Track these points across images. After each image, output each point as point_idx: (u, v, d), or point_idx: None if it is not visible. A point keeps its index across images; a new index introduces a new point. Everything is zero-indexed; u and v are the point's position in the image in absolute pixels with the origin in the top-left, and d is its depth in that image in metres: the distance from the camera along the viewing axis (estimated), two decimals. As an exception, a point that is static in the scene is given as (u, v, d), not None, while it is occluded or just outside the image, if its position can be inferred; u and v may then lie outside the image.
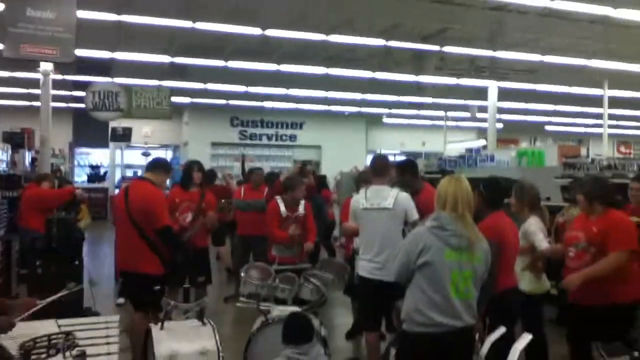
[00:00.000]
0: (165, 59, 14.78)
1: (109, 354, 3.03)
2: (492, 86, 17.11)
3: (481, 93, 18.11)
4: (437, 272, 3.10)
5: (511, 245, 3.90)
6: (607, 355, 2.81)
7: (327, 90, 19.04)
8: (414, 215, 4.84)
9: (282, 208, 5.87)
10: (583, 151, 18.78)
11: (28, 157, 12.21)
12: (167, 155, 24.55)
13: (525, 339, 2.64)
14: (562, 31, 12.96)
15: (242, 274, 5.01)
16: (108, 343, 3.13)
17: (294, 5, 10.97)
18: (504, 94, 17.80)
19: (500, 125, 20.41)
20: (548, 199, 6.62)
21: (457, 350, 3.04)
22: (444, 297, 3.10)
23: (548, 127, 27.12)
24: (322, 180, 10.44)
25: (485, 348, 2.77)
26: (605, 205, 4.14)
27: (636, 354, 2.96)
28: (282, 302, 4.74)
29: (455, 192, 3.25)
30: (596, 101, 18.72)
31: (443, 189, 3.29)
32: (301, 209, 5.95)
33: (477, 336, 3.30)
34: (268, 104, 21.70)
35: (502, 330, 2.87)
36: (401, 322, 3.28)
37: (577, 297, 3.99)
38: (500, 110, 19.06)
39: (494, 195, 4.02)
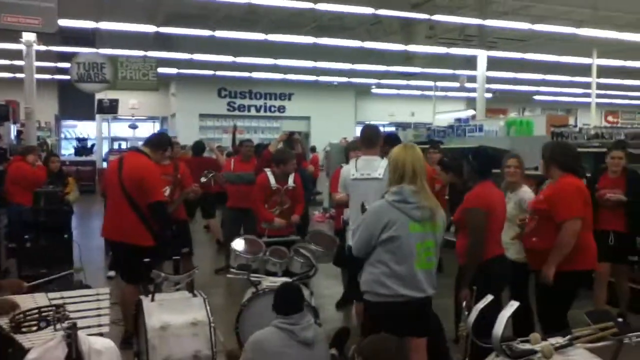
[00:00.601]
0: (150, 28, 14.54)
1: (99, 325, 3.04)
2: (482, 55, 17.03)
3: (470, 62, 18.04)
4: (402, 246, 3.14)
5: (498, 214, 3.94)
6: (593, 322, 2.86)
7: (315, 61, 18.88)
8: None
9: (272, 181, 5.84)
10: (571, 121, 18.90)
11: (13, 130, 12.06)
12: (155, 127, 24.36)
13: (512, 306, 2.68)
14: (550, -1, 12.89)
15: (233, 247, 5.01)
16: (99, 315, 3.14)
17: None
18: (493, 64, 17.75)
19: (489, 95, 20.39)
20: (536, 168, 6.66)
21: (418, 320, 3.12)
22: (407, 269, 3.15)
23: (537, 97, 27.16)
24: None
25: (472, 316, 2.81)
26: (563, 170, 4.08)
27: (620, 320, 3.02)
28: (272, 274, 4.77)
29: (413, 163, 3.25)
30: (585, 70, 18.74)
31: (400, 160, 3.27)
32: (291, 181, 5.93)
33: (464, 304, 3.36)
34: (256, 75, 21.50)
35: (489, 298, 2.90)
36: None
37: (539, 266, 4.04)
38: (490, 80, 19.03)
39: (483, 164, 4.04)
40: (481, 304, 2.84)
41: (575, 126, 11.34)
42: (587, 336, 2.78)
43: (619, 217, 5.25)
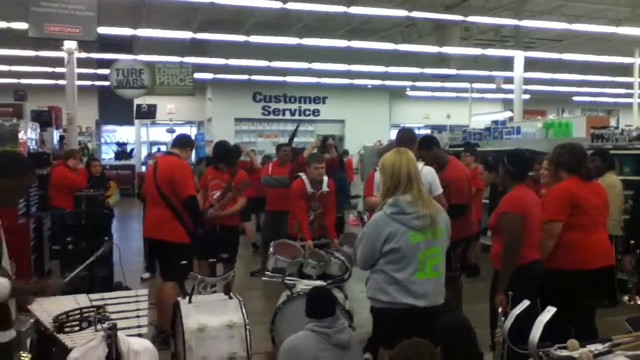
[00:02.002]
0: (186, 35, 14.82)
1: (139, 326, 3.11)
2: (518, 56, 16.77)
3: (507, 64, 17.78)
4: (405, 256, 3.11)
5: (534, 218, 3.88)
6: (634, 329, 2.79)
7: (349, 64, 18.90)
8: (438, 189, 4.82)
9: (308, 186, 5.86)
10: (612, 122, 18.39)
11: (56, 135, 12.37)
12: (192, 131, 24.73)
13: (549, 312, 2.64)
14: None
15: (271, 251, 5.10)
16: (138, 316, 3.21)
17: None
18: (530, 64, 17.46)
19: (526, 97, 20.03)
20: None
21: (419, 329, 2.99)
22: (409, 278, 3.11)
23: (576, 98, 26.56)
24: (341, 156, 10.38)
25: (508, 321, 2.78)
26: (570, 173, 4.09)
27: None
28: (307, 277, 4.80)
29: (408, 170, 3.20)
30: (626, 70, 18.26)
31: (395, 166, 3.21)
32: (325, 186, 5.94)
33: (500, 310, 3.31)
34: (290, 79, 21.63)
35: (525, 303, 2.86)
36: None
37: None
38: (527, 81, 18.73)
39: (518, 167, 3.98)
40: (517, 310, 2.80)
41: (617, 127, 11.05)
42: (628, 344, 2.71)
43: None
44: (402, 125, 23.47)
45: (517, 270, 3.71)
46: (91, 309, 3.01)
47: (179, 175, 5.08)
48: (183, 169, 5.20)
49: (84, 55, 14.09)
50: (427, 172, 4.75)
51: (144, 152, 22.92)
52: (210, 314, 3.84)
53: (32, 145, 8.56)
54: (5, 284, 2.67)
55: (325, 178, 6.01)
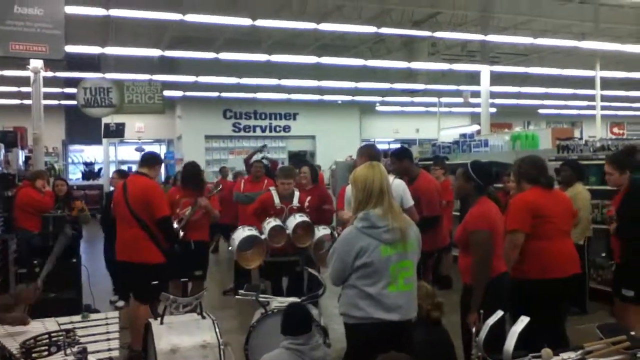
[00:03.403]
0: (155, 52, 14.72)
1: (109, 349, 3.04)
2: (484, 70, 17.11)
3: (474, 78, 18.11)
4: (376, 271, 3.09)
5: (499, 231, 3.91)
6: (605, 336, 2.83)
7: (319, 80, 19.01)
8: (409, 202, 4.86)
9: (277, 200, 5.90)
10: (577, 133, 18.83)
11: (21, 155, 12.13)
12: (161, 149, 24.47)
13: (523, 321, 2.66)
14: (552, 13, 12.96)
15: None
16: (109, 339, 3.14)
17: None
18: (496, 78, 17.83)
19: (493, 110, 20.41)
20: (542, 182, 6.66)
21: (393, 343, 3.00)
22: (381, 293, 3.09)
23: (541, 111, 27.17)
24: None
25: (483, 333, 2.79)
26: (531, 184, 4.20)
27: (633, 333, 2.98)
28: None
29: (380, 183, 3.19)
30: (588, 83, 18.76)
31: (368, 181, 3.20)
32: (295, 201, 5.95)
33: (472, 327, 3.32)
34: (261, 95, 21.65)
35: (500, 314, 2.89)
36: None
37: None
38: (493, 95, 19.09)
39: (483, 179, 3.96)
40: (491, 320, 2.82)
41: (581, 139, 11.32)
42: (599, 350, 2.75)
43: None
44: (372, 140, 23.69)
45: (487, 283, 3.72)
46: (60, 333, 2.93)
47: (151, 197, 5.05)
48: (155, 190, 5.19)
49: (50, 74, 13.87)
50: (398, 185, 4.79)
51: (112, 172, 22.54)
52: (183, 335, 3.77)
53: (-3, 167, 8.38)
54: None
55: (297, 193, 6.01)
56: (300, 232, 5.62)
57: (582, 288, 6.36)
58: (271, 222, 5.65)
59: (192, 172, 6.21)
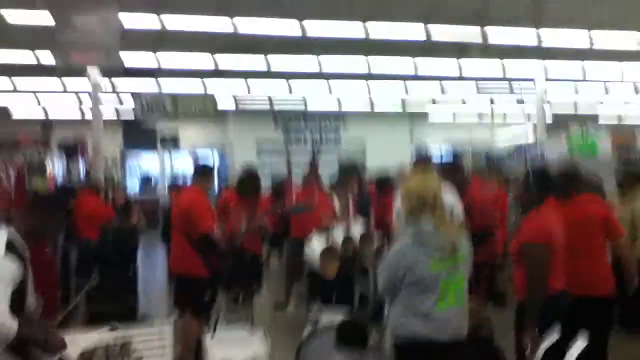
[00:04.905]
0: (209, 63, 14.99)
1: (163, 363, 3.10)
2: (539, 68, 16.64)
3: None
4: (426, 286, 3.01)
5: (559, 244, 3.73)
6: None
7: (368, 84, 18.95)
8: (459, 213, 4.78)
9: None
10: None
11: (82, 167, 12.61)
12: (214, 157, 24.87)
13: (581, 345, 2.57)
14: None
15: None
16: (162, 355, 3.20)
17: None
18: (552, 85, 17.32)
19: (549, 116, 19.83)
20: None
21: None
22: (431, 310, 3.01)
23: (600, 113, 26.15)
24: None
25: (538, 356, 2.70)
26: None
27: None
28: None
29: (434, 194, 3.12)
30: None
31: (420, 190, 3.12)
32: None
33: (528, 346, 3.21)
34: (311, 106, 21.88)
35: (554, 336, 2.79)
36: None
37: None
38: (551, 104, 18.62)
39: (543, 187, 3.81)
40: (547, 344, 2.73)
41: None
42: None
43: None
44: (424, 146, 23.40)
45: (544, 301, 3.57)
46: (117, 345, 3.02)
47: (192, 211, 5.02)
48: (196, 204, 5.08)
49: (108, 86, 14.40)
50: (449, 196, 4.70)
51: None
52: (234, 349, 3.82)
53: (59, 178, 8.70)
54: (12, 328, 2.69)
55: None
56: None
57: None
58: (340, 232, 5.77)
59: (248, 180, 6.08)
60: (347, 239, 5.68)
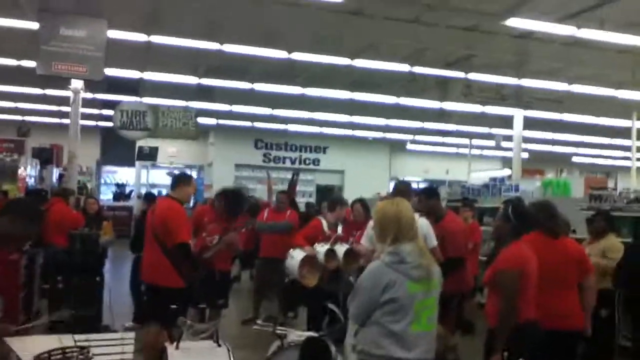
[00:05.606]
0: (192, 80, 15.03)
1: (123, 370, 3.02)
2: (518, 115, 17.00)
3: (506, 121, 17.99)
4: (402, 307, 3.02)
5: (532, 273, 3.79)
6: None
7: (351, 115, 19.13)
8: (433, 241, 4.80)
9: (325, 227, 6.34)
10: (610, 183, 18.42)
11: (55, 173, 12.43)
12: (192, 175, 24.77)
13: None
14: (589, 60, 12.87)
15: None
16: (123, 359, 3.13)
17: (319, 29, 11.10)
18: (529, 123, 17.67)
19: (525, 155, 20.21)
20: (574, 231, 6.50)
21: None
22: (405, 331, 3.02)
23: (575, 159, 26.77)
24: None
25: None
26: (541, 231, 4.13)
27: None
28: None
29: (409, 219, 3.16)
30: (624, 132, 18.46)
31: (394, 215, 3.15)
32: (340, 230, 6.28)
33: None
34: (292, 127, 21.87)
35: (521, 363, 2.80)
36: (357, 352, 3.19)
37: None
38: (526, 140, 18.92)
39: (522, 222, 3.89)
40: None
41: (615, 189, 11.09)
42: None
43: None
44: (402, 178, 23.62)
45: (514, 329, 3.61)
46: (74, 349, 2.93)
47: (171, 220, 4.95)
48: (176, 214, 5.03)
49: (89, 95, 14.29)
50: (422, 224, 4.73)
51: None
52: (197, 361, 3.73)
53: (31, 182, 8.56)
54: None
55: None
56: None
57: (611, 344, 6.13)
58: (325, 246, 5.80)
59: (236, 199, 6.11)
60: (330, 251, 5.68)
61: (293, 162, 23.86)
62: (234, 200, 6.07)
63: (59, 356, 2.84)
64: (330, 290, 5.78)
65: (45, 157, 11.38)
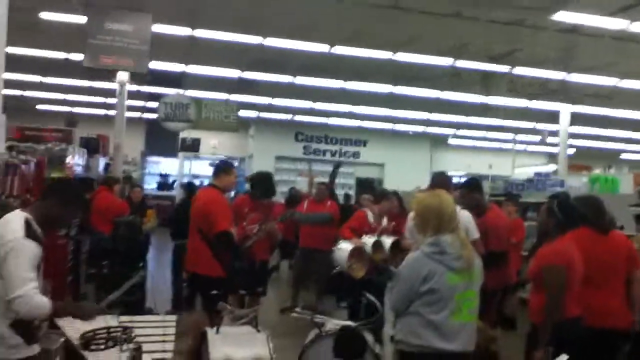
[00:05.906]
0: (234, 73, 15.18)
1: (164, 351, 3.09)
2: (564, 110, 16.55)
3: (552, 117, 17.55)
4: (441, 298, 3.01)
5: (578, 270, 3.72)
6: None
7: (392, 109, 18.98)
8: (474, 234, 4.73)
9: (371, 219, 6.39)
10: (661, 181, 17.68)
11: (102, 162, 12.73)
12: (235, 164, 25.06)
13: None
14: (639, 55, 12.41)
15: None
16: (164, 341, 3.19)
17: (361, 23, 11.05)
18: (576, 119, 17.19)
19: (571, 151, 19.68)
20: (622, 227, 6.30)
21: None
22: (444, 321, 3.00)
23: (624, 156, 25.91)
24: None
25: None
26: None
27: None
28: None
29: (451, 211, 3.15)
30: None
31: (435, 207, 3.15)
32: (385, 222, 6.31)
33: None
34: (333, 121, 21.85)
35: (564, 357, 2.73)
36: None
37: None
38: (572, 136, 18.40)
39: (568, 217, 3.81)
40: (556, 363, 2.68)
41: (665, 186, 10.67)
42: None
43: None
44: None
45: (558, 324, 3.53)
46: (118, 329, 3.01)
47: (211, 210, 4.99)
48: (216, 203, 5.07)
49: (134, 87, 14.60)
50: (464, 217, 4.67)
51: (186, 185, 23.25)
52: (237, 346, 3.78)
53: (78, 170, 8.80)
54: (47, 305, 2.72)
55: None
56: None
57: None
58: (372, 238, 5.79)
59: (263, 181, 6.13)
60: (377, 243, 5.67)
61: (333, 155, 23.87)
62: (258, 183, 6.11)
63: (104, 335, 2.93)
64: (380, 281, 5.76)
65: (92, 147, 11.63)
